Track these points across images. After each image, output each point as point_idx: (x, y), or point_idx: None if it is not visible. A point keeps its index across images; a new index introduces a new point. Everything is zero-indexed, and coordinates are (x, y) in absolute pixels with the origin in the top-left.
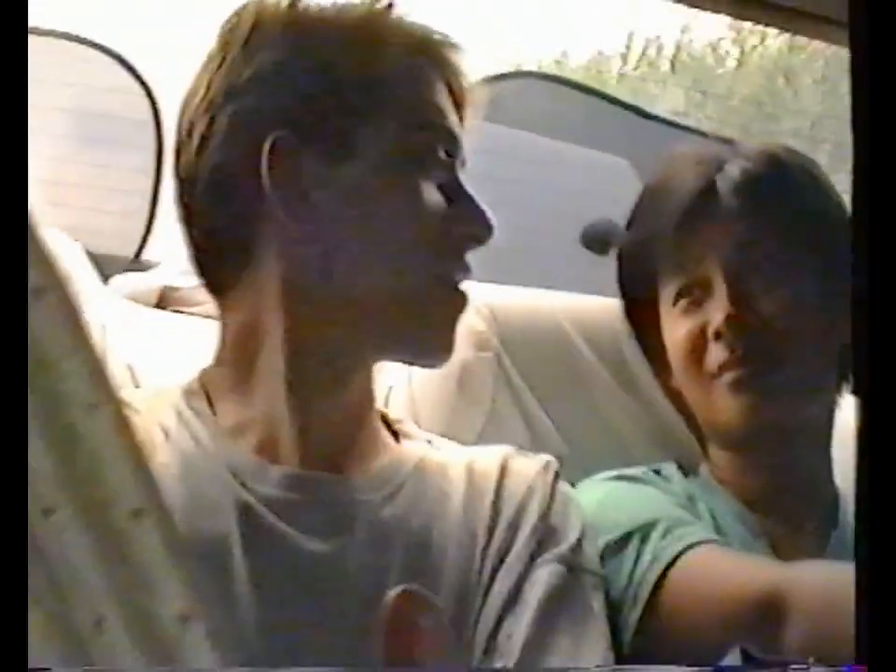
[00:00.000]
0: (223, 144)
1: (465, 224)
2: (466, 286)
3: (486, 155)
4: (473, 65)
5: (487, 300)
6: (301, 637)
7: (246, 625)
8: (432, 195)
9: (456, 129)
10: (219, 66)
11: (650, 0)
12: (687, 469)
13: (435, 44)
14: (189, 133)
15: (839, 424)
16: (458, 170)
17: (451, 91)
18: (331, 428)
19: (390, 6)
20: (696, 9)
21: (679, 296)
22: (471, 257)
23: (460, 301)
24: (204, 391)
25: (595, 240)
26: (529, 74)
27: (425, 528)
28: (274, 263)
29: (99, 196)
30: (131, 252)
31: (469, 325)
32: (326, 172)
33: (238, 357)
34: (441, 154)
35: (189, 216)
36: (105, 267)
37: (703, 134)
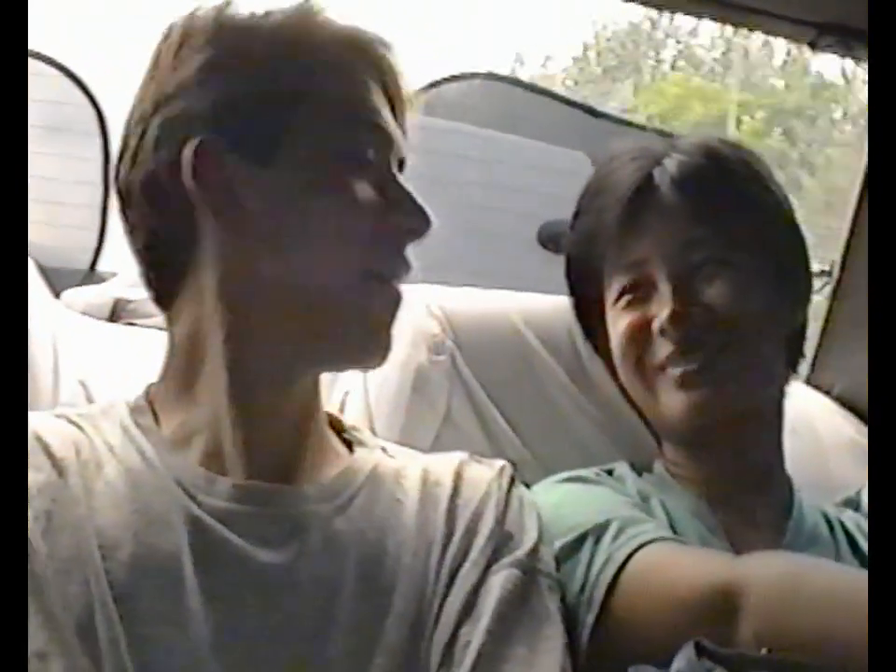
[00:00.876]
0: (152, 152)
1: (399, 217)
2: (401, 283)
3: (438, 156)
4: (418, 66)
5: (441, 302)
6: (254, 648)
7: (200, 639)
8: (364, 192)
9: (390, 127)
10: (152, 77)
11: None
12: (640, 468)
13: (366, 43)
14: (125, 147)
15: (789, 412)
16: (394, 167)
17: (385, 91)
18: (276, 438)
19: (316, 4)
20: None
21: (622, 293)
22: (421, 258)
23: (393, 297)
24: (150, 406)
25: (551, 239)
26: (480, 75)
27: (379, 538)
28: (210, 269)
29: (51, 210)
30: (85, 264)
31: (423, 328)
32: (252, 172)
33: (183, 369)
34: (373, 152)
35: (131, 227)
36: (61, 280)
37: (647, 130)
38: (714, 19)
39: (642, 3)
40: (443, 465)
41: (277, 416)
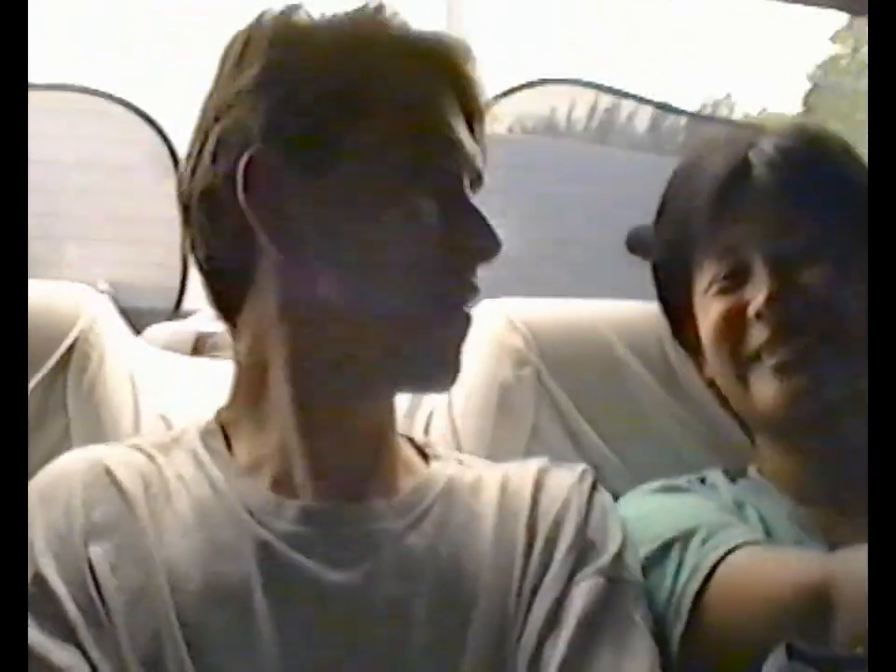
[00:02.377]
0: (210, 164)
1: (467, 240)
2: (471, 307)
3: (517, 169)
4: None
5: (523, 315)
6: (325, 670)
7: (271, 666)
8: (429, 210)
9: (463, 140)
10: (215, 88)
11: None
12: (734, 474)
13: (443, 51)
14: (188, 157)
15: None
16: (465, 184)
17: (462, 102)
18: (346, 457)
19: (380, 7)
20: None
21: (714, 279)
22: (505, 272)
23: (464, 324)
24: (222, 429)
25: (641, 244)
26: (553, 81)
27: (454, 554)
28: (271, 285)
29: (130, 249)
30: (170, 304)
31: (507, 343)
32: (307, 186)
33: (250, 391)
34: (439, 164)
35: (191, 241)
36: (148, 320)
37: (732, 123)
38: None
39: None
40: (522, 473)
41: (347, 438)
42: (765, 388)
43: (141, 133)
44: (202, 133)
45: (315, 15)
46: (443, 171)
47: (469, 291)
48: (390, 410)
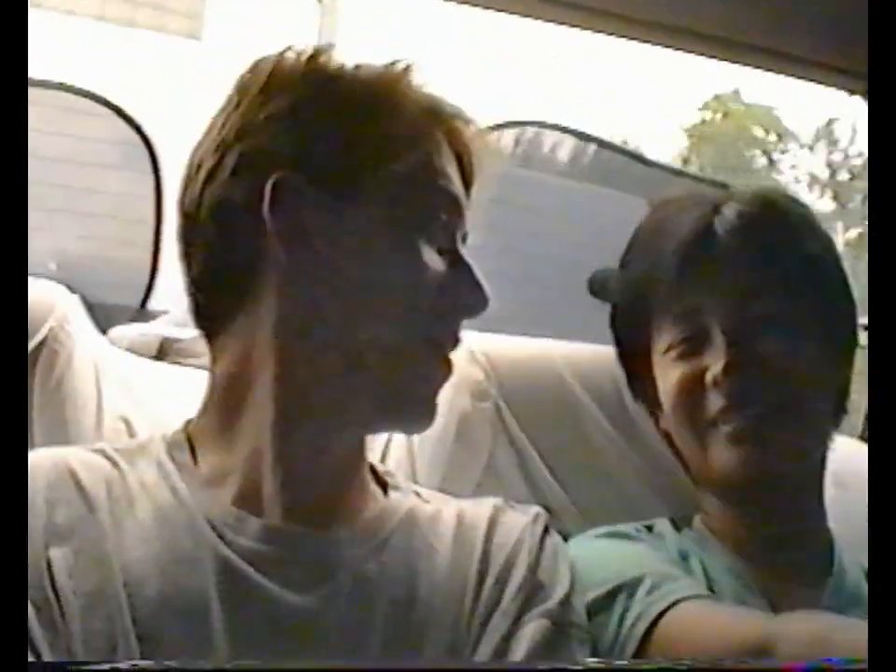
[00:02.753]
0: (229, 179)
1: (462, 293)
2: (453, 356)
3: (495, 204)
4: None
5: (485, 349)
6: None
7: None
8: (432, 258)
9: (462, 199)
10: (236, 107)
11: None
12: (680, 524)
13: (448, 115)
14: (198, 170)
15: (839, 466)
16: (458, 240)
17: (460, 164)
18: (317, 482)
19: (408, 69)
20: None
21: (673, 343)
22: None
23: (446, 369)
24: (188, 441)
25: (603, 287)
26: (535, 123)
27: (410, 582)
28: (272, 302)
29: (103, 246)
30: (136, 302)
31: (468, 374)
32: (328, 218)
33: (224, 406)
34: (444, 219)
35: (189, 251)
36: (112, 317)
37: (701, 179)
38: (765, 69)
39: (688, 51)
40: (478, 510)
41: (319, 461)
42: (720, 454)
43: (124, 134)
44: (219, 149)
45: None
46: (446, 225)
47: (454, 340)
48: (364, 440)
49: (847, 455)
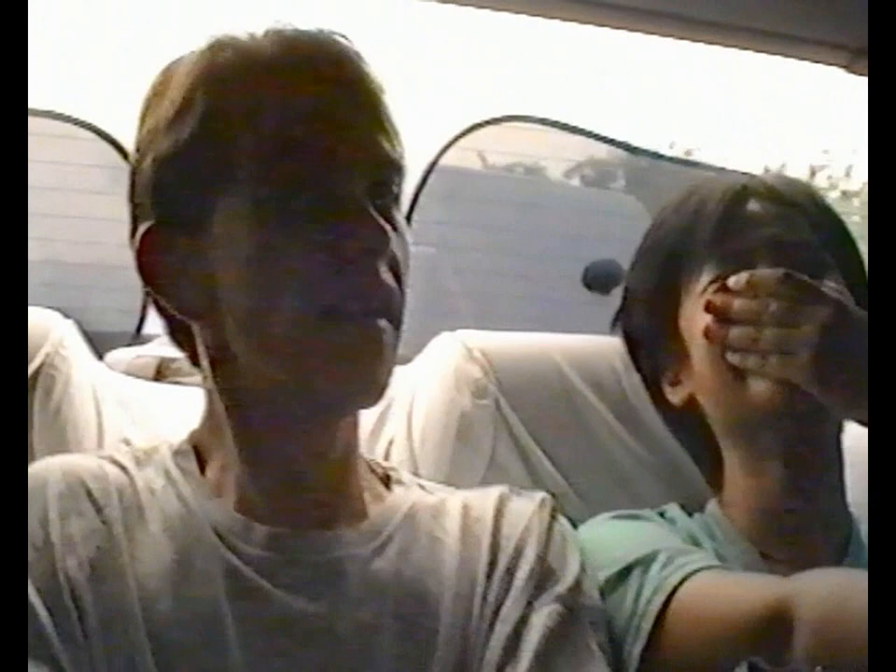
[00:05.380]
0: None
1: (354, 243)
2: (377, 312)
3: (483, 203)
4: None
5: (482, 346)
6: None
7: None
8: (309, 225)
9: (336, 145)
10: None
11: None
12: (691, 509)
13: (307, 55)
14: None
15: (861, 450)
16: (359, 188)
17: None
18: (305, 483)
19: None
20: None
21: (717, 279)
22: (469, 304)
23: (363, 331)
24: (194, 450)
25: (598, 279)
26: (523, 118)
27: (418, 578)
28: (200, 334)
29: (96, 273)
30: (131, 326)
31: (466, 372)
32: (195, 243)
33: (216, 420)
34: (321, 178)
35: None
36: (109, 343)
37: (713, 168)
38: (746, 48)
39: (672, 36)
40: (484, 499)
41: (298, 465)
42: (761, 383)
43: (109, 157)
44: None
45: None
46: (324, 182)
47: (369, 296)
48: (346, 436)
49: (856, 435)
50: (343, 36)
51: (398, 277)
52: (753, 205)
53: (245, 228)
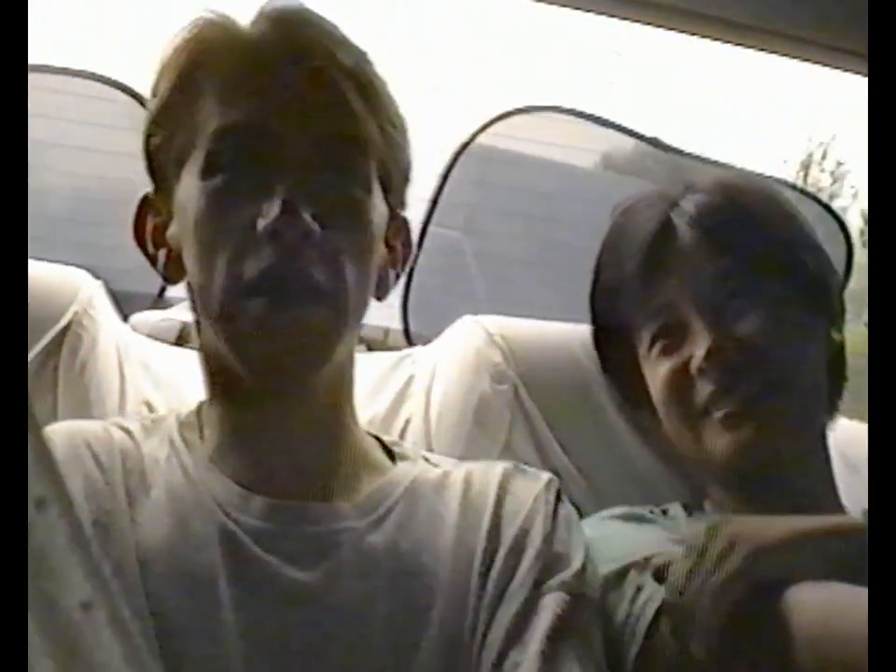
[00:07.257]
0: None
1: (275, 226)
2: (287, 293)
3: (510, 190)
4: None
5: (503, 331)
6: (288, 665)
7: (234, 655)
8: (239, 203)
9: (262, 121)
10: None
11: None
12: (692, 508)
13: (210, 47)
14: None
15: (852, 450)
16: (289, 179)
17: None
18: (295, 454)
19: None
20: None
21: (654, 339)
22: (491, 291)
23: (282, 313)
24: (198, 422)
25: None
26: (555, 108)
27: (414, 552)
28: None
29: (122, 233)
30: (155, 290)
31: (486, 356)
32: (168, 212)
33: (216, 391)
34: (240, 155)
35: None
36: (131, 304)
37: (717, 164)
38: (765, 50)
39: (687, 32)
40: (487, 473)
41: (289, 430)
42: (715, 441)
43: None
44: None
45: None
46: (243, 159)
47: (274, 276)
48: (327, 408)
49: (858, 438)
50: (319, 15)
51: (337, 262)
52: (673, 247)
53: (192, 201)
